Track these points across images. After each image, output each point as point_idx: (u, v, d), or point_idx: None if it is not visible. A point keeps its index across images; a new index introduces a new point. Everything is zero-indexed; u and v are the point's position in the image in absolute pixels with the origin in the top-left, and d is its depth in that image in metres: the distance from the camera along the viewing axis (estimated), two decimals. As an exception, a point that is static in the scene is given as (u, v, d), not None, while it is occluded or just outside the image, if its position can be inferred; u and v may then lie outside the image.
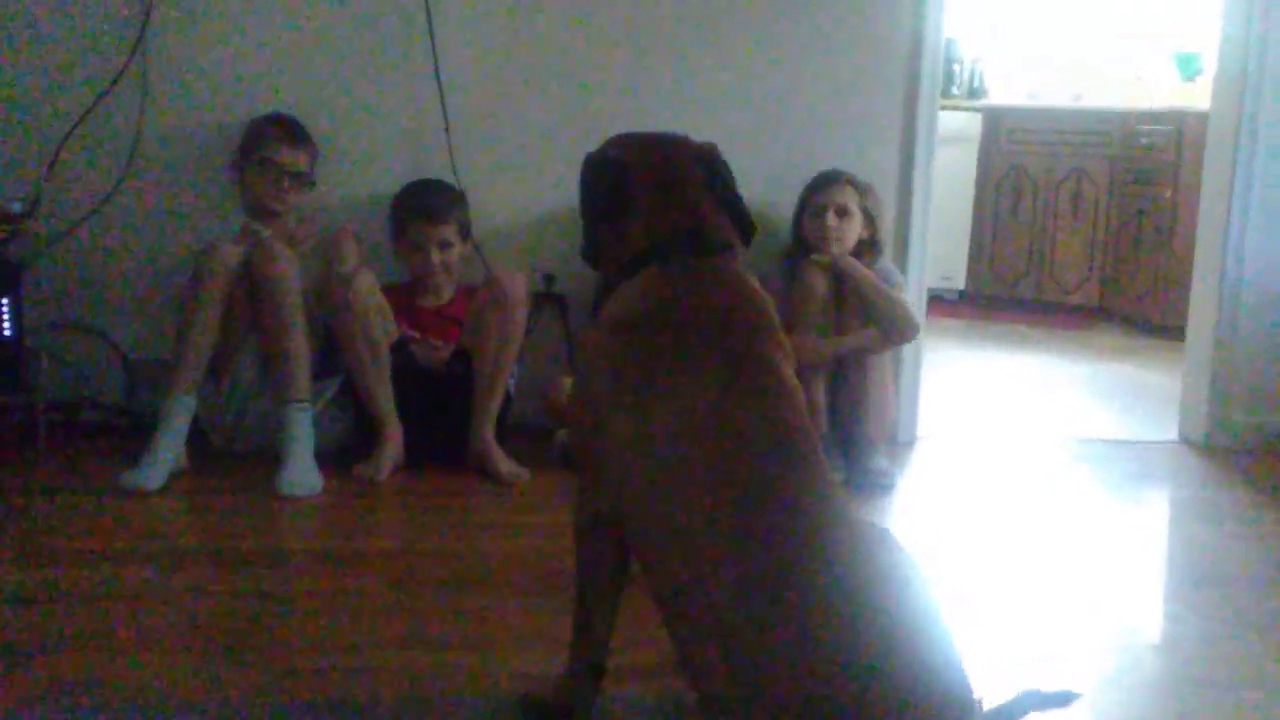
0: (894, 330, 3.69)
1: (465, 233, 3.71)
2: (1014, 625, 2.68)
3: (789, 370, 1.96)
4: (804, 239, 3.77)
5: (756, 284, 2.06)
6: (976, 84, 7.38)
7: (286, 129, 3.64)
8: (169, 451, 3.29)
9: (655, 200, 2.06)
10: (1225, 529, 3.41)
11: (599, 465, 1.95)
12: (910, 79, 3.97)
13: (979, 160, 6.88)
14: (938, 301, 6.73)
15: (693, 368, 1.88)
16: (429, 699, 2.19)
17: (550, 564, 2.85)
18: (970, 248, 6.91)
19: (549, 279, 3.89)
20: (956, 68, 7.22)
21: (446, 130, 3.79)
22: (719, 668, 1.69)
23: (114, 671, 2.26)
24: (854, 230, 3.73)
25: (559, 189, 3.77)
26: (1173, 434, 4.32)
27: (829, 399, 3.69)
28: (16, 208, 3.55)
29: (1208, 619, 2.75)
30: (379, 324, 3.48)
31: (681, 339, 1.92)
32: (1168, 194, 6.08)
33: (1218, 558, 3.18)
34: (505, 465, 3.47)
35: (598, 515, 1.99)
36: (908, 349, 3.99)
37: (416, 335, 3.59)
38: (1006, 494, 3.65)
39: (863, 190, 3.76)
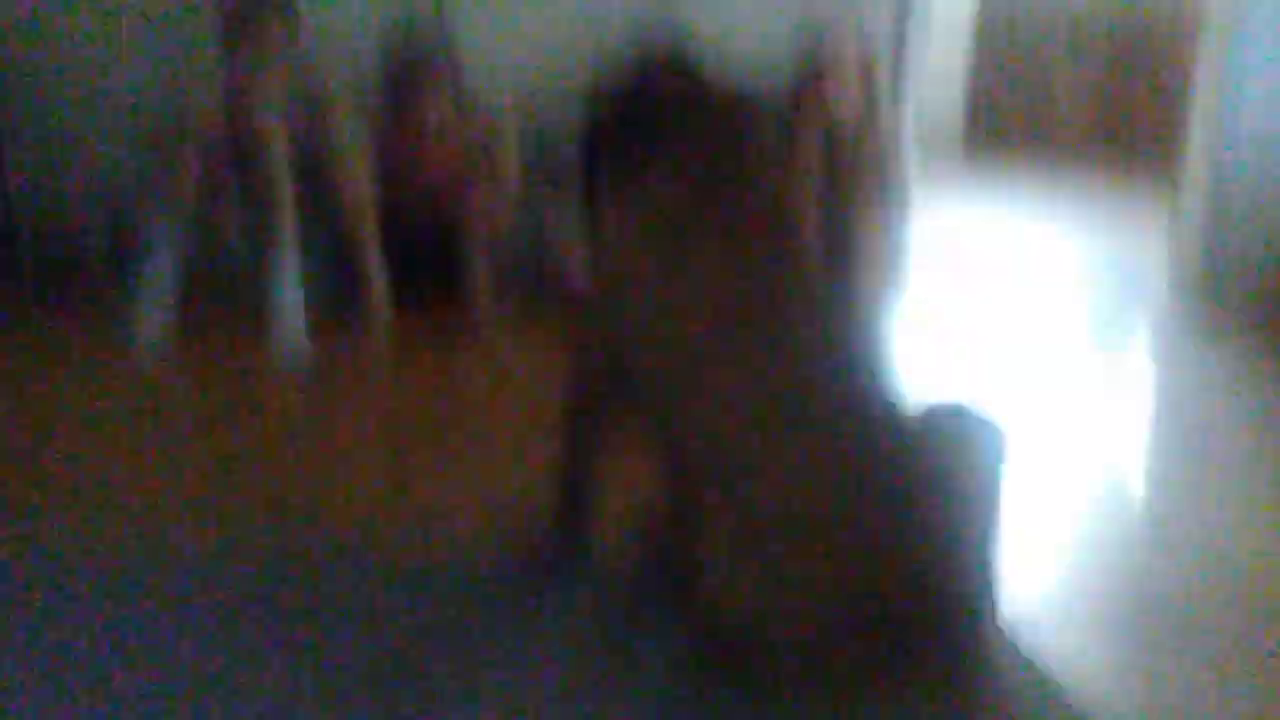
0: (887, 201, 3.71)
1: (459, 98, 3.68)
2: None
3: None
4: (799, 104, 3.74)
5: None
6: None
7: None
8: (158, 305, 3.32)
9: None
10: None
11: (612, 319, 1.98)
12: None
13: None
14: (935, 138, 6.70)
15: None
16: (420, 534, 2.25)
17: (538, 405, 2.90)
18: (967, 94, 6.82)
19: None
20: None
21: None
22: (722, 512, 1.74)
23: (100, 521, 2.29)
24: (851, 93, 3.70)
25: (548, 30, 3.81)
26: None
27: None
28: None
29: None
30: (366, 184, 3.49)
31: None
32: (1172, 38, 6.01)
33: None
34: (492, 310, 3.53)
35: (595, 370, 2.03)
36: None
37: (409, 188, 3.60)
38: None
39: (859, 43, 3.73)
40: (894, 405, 1.79)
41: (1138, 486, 2.66)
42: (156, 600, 1.99)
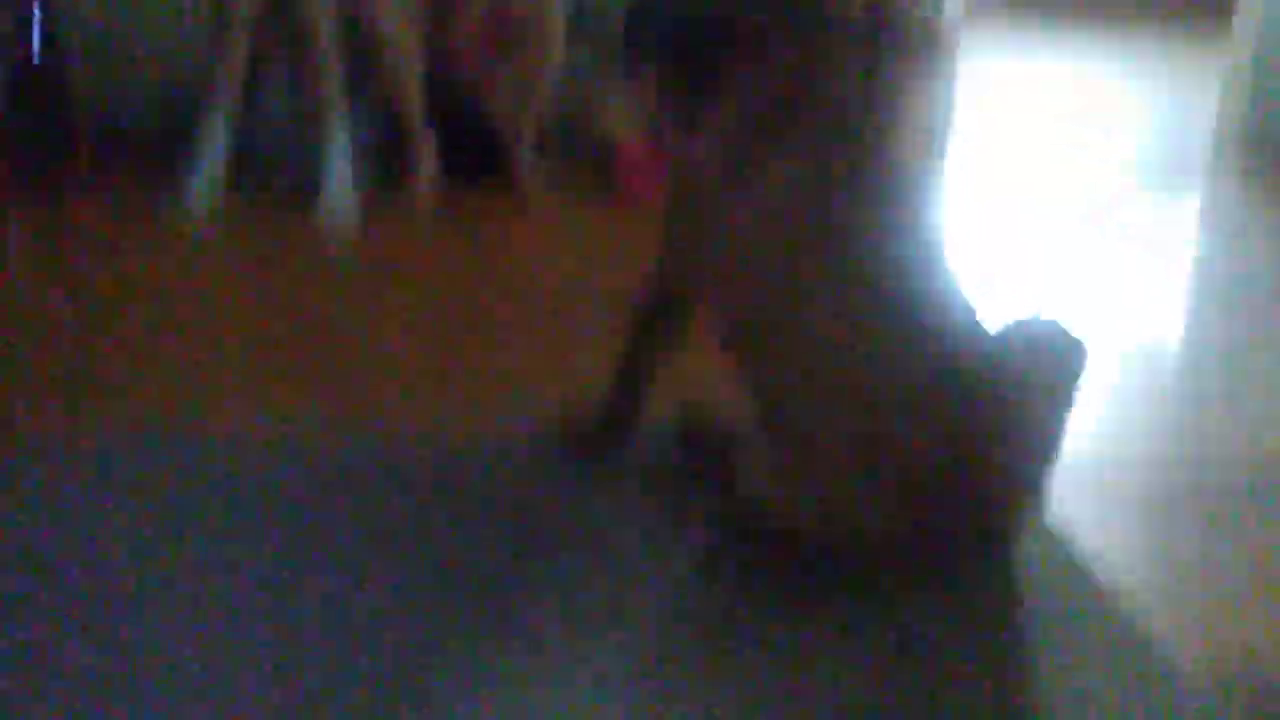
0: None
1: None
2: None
3: None
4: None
5: None
6: None
7: None
8: (211, 176, 3.35)
9: None
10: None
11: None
12: None
13: None
14: None
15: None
16: (462, 431, 2.30)
17: (582, 289, 2.95)
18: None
19: None
20: None
21: None
22: (802, 410, 1.80)
23: (156, 405, 2.36)
24: None
25: None
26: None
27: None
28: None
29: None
30: (409, 49, 3.46)
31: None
32: None
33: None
34: (536, 183, 3.54)
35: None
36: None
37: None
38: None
39: None
40: (968, 308, 1.84)
41: (1176, 344, 2.70)
42: (197, 482, 2.06)
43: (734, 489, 1.89)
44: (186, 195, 3.30)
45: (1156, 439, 2.35)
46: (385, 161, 3.60)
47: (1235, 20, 4.29)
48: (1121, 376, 2.57)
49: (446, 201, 3.50)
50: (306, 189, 3.40)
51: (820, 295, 1.82)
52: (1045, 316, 1.95)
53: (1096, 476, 2.18)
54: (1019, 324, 1.93)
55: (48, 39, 3.51)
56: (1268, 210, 3.62)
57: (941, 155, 3.77)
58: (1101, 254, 3.24)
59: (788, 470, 1.82)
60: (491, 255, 3.18)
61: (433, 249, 3.28)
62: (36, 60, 3.51)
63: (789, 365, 1.85)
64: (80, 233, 3.23)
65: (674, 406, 2.22)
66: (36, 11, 3.48)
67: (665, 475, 2.14)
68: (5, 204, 3.36)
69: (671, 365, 2.13)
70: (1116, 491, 2.15)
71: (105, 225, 3.26)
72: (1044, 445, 1.86)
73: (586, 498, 2.06)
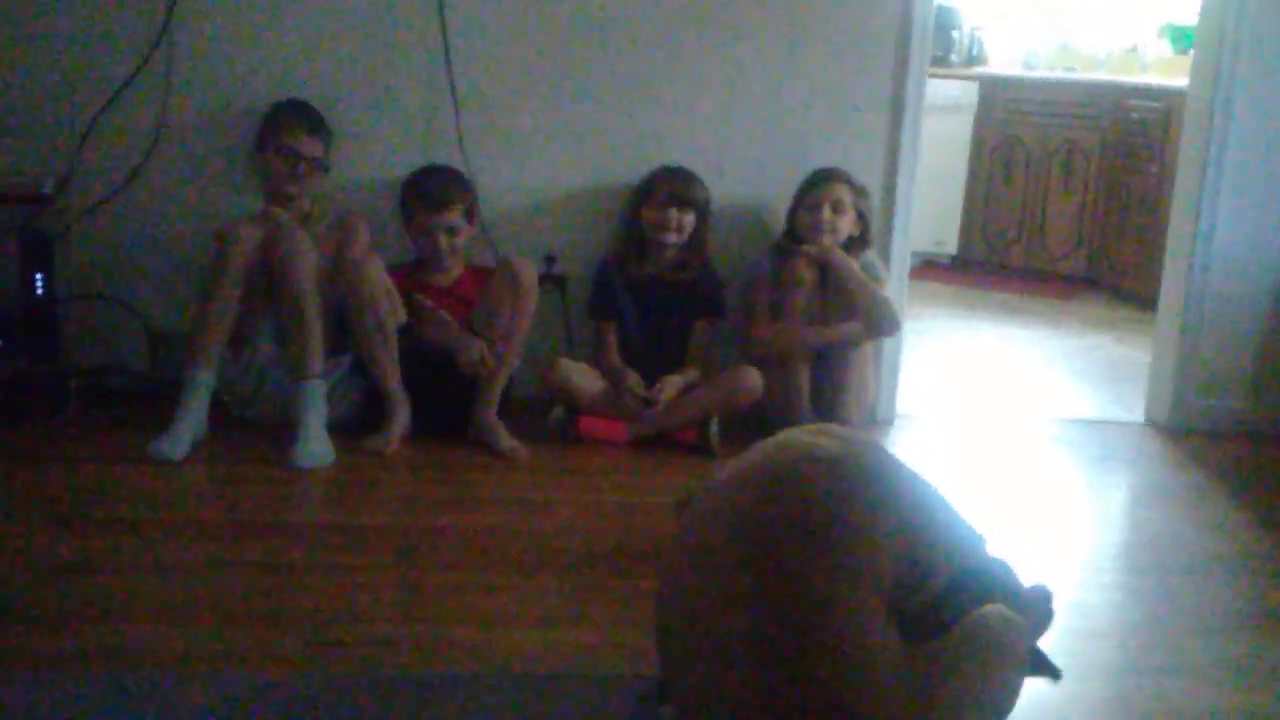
0: (875, 325, 3.92)
1: (471, 216, 3.92)
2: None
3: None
4: (797, 231, 3.98)
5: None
6: (975, 51, 7.53)
7: (304, 116, 3.83)
8: (191, 423, 3.53)
9: None
10: (1174, 515, 3.65)
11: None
12: (901, 48, 4.12)
13: (974, 128, 7.04)
14: (930, 266, 6.95)
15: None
16: (434, 673, 2.44)
17: (548, 540, 3.12)
18: (964, 214, 7.08)
19: (550, 260, 4.10)
20: (955, 34, 7.38)
21: (456, 115, 3.99)
22: None
23: (140, 640, 2.51)
24: (846, 226, 3.94)
25: (561, 173, 4.09)
26: (1140, 415, 4.54)
27: (811, 383, 3.92)
28: (48, 186, 3.76)
29: (1148, 606, 3.00)
30: (387, 306, 3.70)
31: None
32: (1155, 170, 6.26)
33: (1163, 545, 3.42)
34: (506, 441, 3.71)
35: None
36: (891, 330, 4.21)
37: (430, 304, 3.80)
38: (973, 476, 3.88)
39: (858, 190, 3.98)
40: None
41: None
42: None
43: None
44: (166, 441, 3.47)
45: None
46: (361, 408, 3.81)
47: (1159, 313, 4.59)
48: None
49: (416, 450, 3.70)
50: (284, 429, 3.59)
51: None
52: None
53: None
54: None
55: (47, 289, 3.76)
56: (1183, 495, 3.85)
57: (861, 414, 4.00)
58: (1025, 541, 3.43)
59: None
60: (458, 503, 3.35)
61: (402, 494, 3.47)
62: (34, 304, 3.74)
63: None
64: (64, 467, 3.40)
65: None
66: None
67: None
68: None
69: None
70: None
71: (88, 464, 3.43)
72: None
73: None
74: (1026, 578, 2.13)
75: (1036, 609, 2.14)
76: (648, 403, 3.83)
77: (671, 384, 3.86)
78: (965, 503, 2.10)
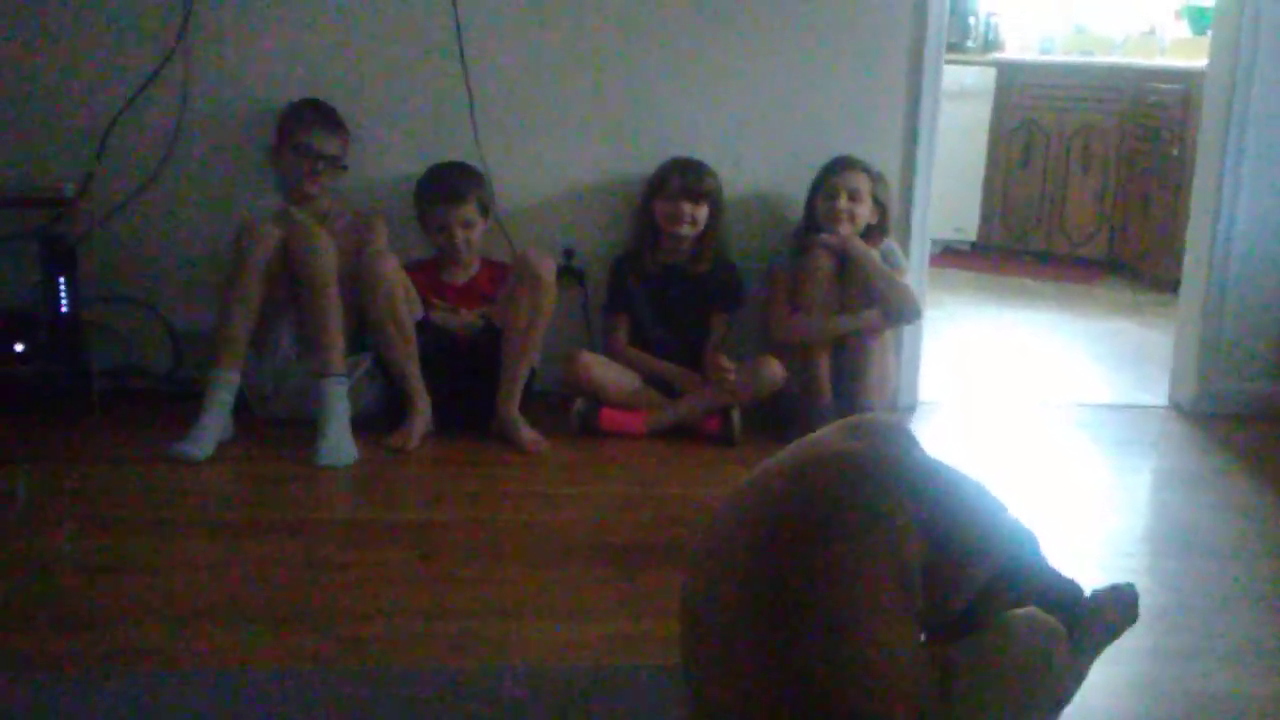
0: (895, 312, 3.91)
1: (486, 210, 3.93)
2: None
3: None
4: (815, 220, 3.97)
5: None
6: (991, 37, 7.50)
7: (321, 115, 3.85)
8: (215, 423, 3.54)
9: None
10: (1199, 499, 3.63)
11: None
12: (916, 35, 4.10)
13: (992, 114, 7.01)
14: (950, 253, 6.93)
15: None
16: (459, 667, 2.45)
17: (572, 534, 3.13)
18: (983, 200, 7.07)
19: (569, 254, 4.10)
20: (971, 20, 7.36)
21: (471, 112, 4.00)
22: None
23: (165, 639, 2.52)
24: (864, 214, 3.93)
25: (578, 167, 4.10)
26: (1163, 399, 4.52)
27: (832, 371, 3.92)
28: (69, 190, 3.78)
29: (1173, 590, 2.99)
30: (405, 303, 3.72)
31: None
32: (1174, 152, 6.22)
33: (1188, 529, 3.40)
34: (527, 434, 3.72)
35: None
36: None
37: (442, 304, 3.82)
38: (996, 462, 3.86)
39: (875, 177, 3.97)
40: None
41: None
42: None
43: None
44: (190, 442, 3.49)
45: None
46: (383, 405, 3.82)
47: (1181, 297, 4.57)
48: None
49: (438, 445, 3.72)
50: (307, 427, 3.60)
51: None
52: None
53: None
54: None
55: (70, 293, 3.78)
56: (1207, 478, 3.82)
57: (882, 401, 3.99)
58: (1050, 528, 3.42)
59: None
60: (480, 497, 3.36)
61: (424, 490, 3.48)
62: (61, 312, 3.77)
63: None
64: (91, 469, 3.42)
65: None
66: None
67: None
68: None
69: None
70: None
71: (114, 465, 3.45)
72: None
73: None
74: (1112, 577, 2.10)
75: (1119, 610, 2.13)
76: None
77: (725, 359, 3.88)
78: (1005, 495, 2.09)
